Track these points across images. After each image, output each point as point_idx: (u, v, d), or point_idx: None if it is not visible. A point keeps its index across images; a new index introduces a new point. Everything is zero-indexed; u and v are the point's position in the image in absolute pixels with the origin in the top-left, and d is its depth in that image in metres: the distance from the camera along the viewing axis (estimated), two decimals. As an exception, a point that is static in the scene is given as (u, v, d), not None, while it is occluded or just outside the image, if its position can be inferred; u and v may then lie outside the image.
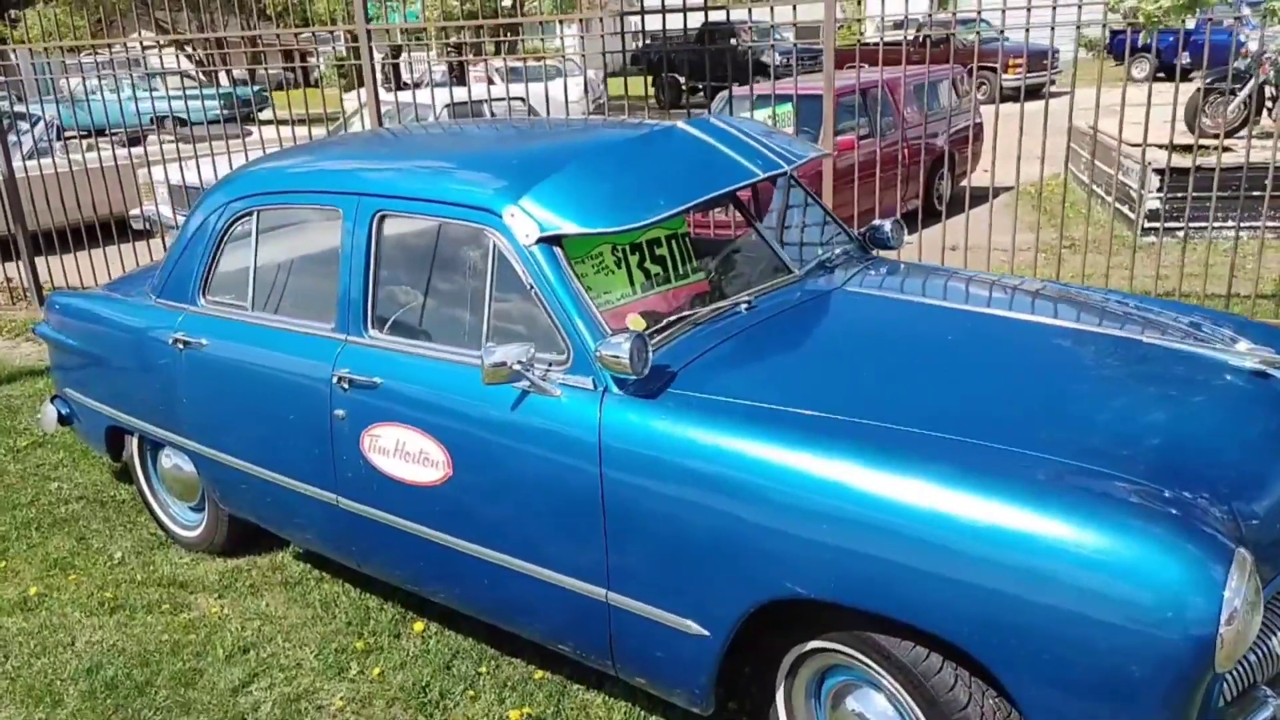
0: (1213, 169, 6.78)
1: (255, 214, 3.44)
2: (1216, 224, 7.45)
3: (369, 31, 6.21)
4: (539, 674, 3.20)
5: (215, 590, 3.83)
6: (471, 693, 3.15)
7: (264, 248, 3.46)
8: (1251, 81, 8.22)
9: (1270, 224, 7.14)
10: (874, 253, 3.57)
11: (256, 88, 17.18)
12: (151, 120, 11.35)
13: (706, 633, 2.46)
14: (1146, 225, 7.86)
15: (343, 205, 3.13)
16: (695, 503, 2.39)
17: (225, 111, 10.30)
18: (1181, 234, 7.66)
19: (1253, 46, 8.19)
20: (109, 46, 8.61)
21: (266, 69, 10.16)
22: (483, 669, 3.25)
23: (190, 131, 7.98)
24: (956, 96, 9.56)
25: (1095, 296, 3.11)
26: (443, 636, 3.44)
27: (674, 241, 3.12)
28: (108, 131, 10.18)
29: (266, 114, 16.38)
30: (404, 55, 16.57)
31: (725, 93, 6.83)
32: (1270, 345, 2.69)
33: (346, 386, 3.06)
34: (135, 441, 4.17)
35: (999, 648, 2.05)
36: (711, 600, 2.43)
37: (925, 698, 2.21)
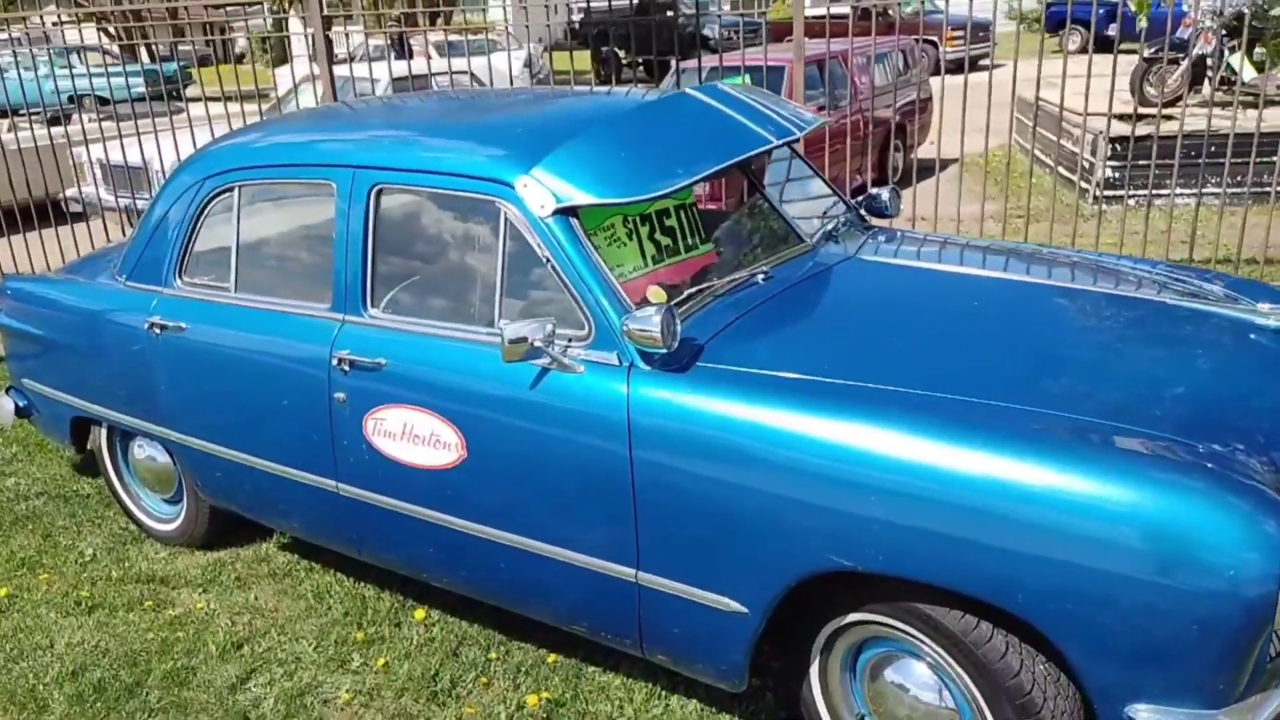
0: (1165, 136, 6.92)
1: (236, 190, 3.27)
2: (1168, 190, 7.60)
3: (321, 2, 5.98)
4: (552, 657, 3.13)
5: (199, 585, 3.67)
6: (484, 679, 3.07)
7: (246, 225, 3.29)
8: (1194, 50, 8.40)
9: (1232, 190, 7.30)
10: (870, 221, 3.55)
11: (180, 64, 16.59)
12: (71, 99, 10.83)
13: (744, 609, 2.42)
14: (1100, 193, 7.99)
15: (337, 179, 2.99)
16: (734, 478, 2.33)
17: (149, 89, 9.90)
18: (1133, 201, 7.84)
19: (1194, 16, 8.37)
20: (24, 20, 8.16)
21: (193, 44, 9.77)
22: (492, 655, 3.17)
23: (115, 110, 7.62)
24: (907, 69, 9.60)
25: (1108, 261, 3.12)
26: (446, 623, 3.34)
27: (682, 212, 3.04)
28: (25, 111, 9.69)
29: (193, 91, 15.83)
30: (338, 28, 16.10)
31: (677, 65, 6.73)
32: None
33: (347, 369, 2.93)
34: (104, 433, 3.98)
35: (1055, 614, 2.04)
36: (750, 576, 2.38)
37: (976, 666, 2.20)
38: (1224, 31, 8.37)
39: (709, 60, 8.44)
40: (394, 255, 2.97)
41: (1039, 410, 2.18)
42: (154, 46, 8.31)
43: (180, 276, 3.45)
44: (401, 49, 12.00)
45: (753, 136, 2.92)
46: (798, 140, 3.05)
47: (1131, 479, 1.97)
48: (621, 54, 18.07)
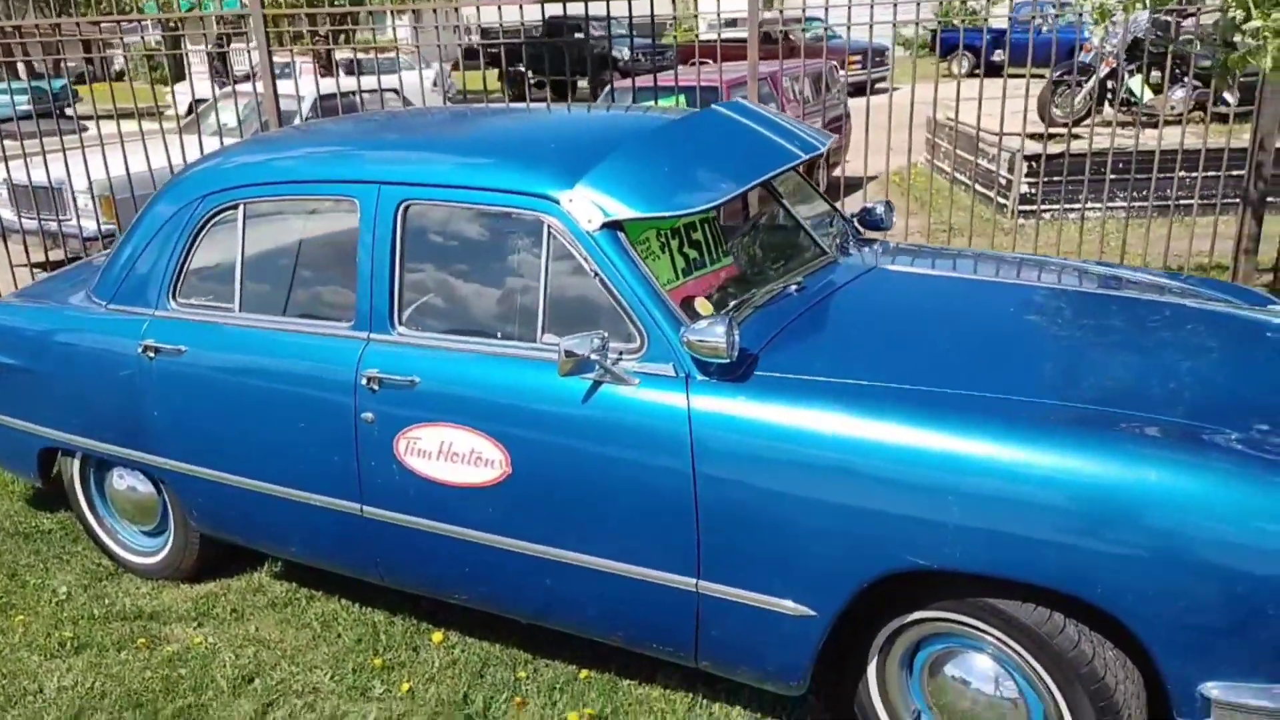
0: (1075, 155, 7.33)
1: (240, 207, 3.16)
2: (1085, 205, 8.03)
3: (265, 16, 5.83)
4: (584, 673, 3.11)
5: (191, 619, 3.51)
6: (518, 699, 3.02)
7: (251, 244, 3.19)
8: (1096, 75, 8.92)
9: (1137, 203, 7.74)
10: (865, 234, 3.66)
11: (64, 80, 15.84)
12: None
13: (812, 612, 2.45)
14: (1017, 208, 8.37)
15: (359, 195, 2.92)
16: (807, 487, 2.37)
17: (35, 106, 9.43)
18: (1047, 215, 8.25)
19: (1095, 43, 8.88)
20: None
21: (89, 61, 9.32)
22: (521, 674, 3.13)
23: (18, 128, 7.23)
24: (827, 89, 9.90)
25: (1102, 268, 3.29)
26: (466, 645, 3.28)
27: (706, 225, 3.08)
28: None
29: (82, 109, 15.10)
30: (238, 44, 15.62)
31: (608, 87, 6.81)
32: None
33: (376, 388, 2.87)
34: (75, 464, 3.77)
35: (1133, 602, 2.14)
36: (821, 580, 2.42)
37: (1050, 657, 2.28)
38: (1124, 56, 8.90)
39: (642, 81, 8.54)
40: (424, 272, 2.92)
41: (1105, 409, 2.29)
42: (33, 64, 7.90)
43: (174, 298, 3.31)
44: (329, 67, 11.74)
45: (783, 151, 2.98)
46: (821, 155, 3.13)
47: (1206, 470, 2.08)
48: (530, 74, 18.08)
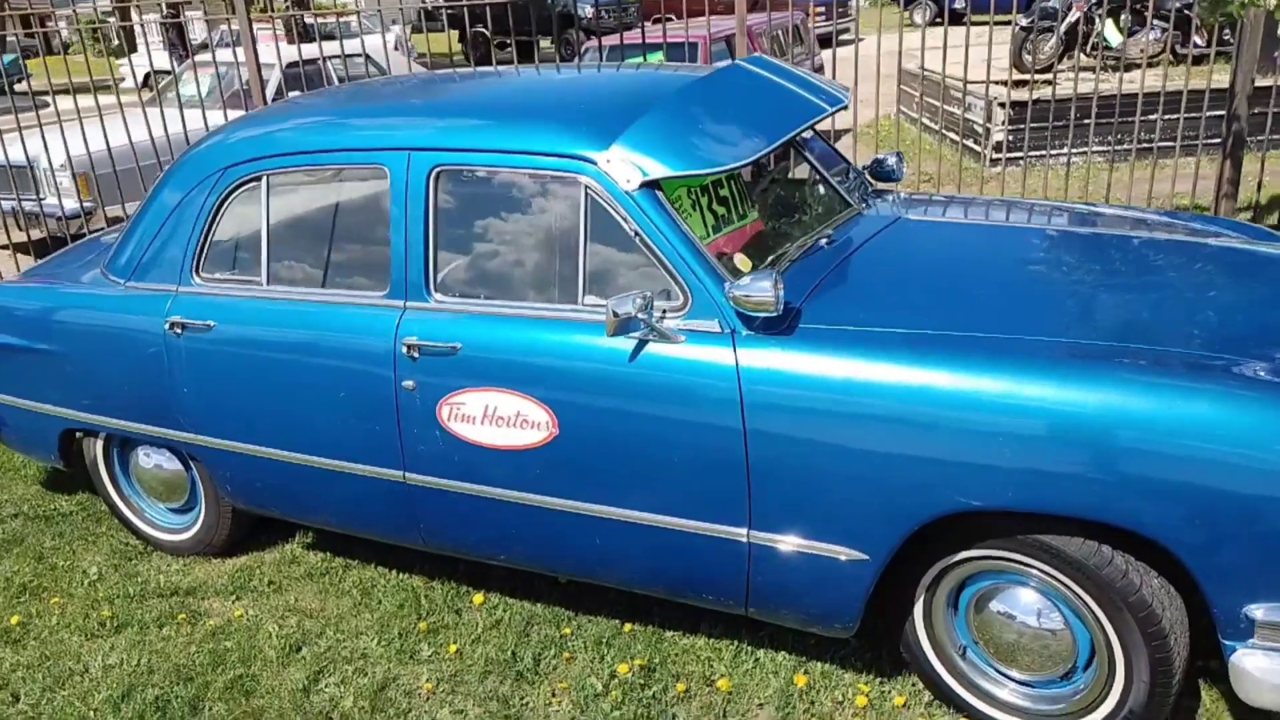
0: (1051, 100, 7.41)
1: (264, 179, 3.14)
2: (1059, 150, 8.14)
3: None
4: (628, 627, 3.18)
5: (229, 593, 3.53)
6: (566, 654, 3.09)
7: (276, 216, 3.17)
8: (1067, 20, 9.00)
9: (1118, 148, 7.85)
10: (876, 186, 3.70)
11: (12, 56, 15.41)
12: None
13: (865, 556, 2.53)
14: (994, 156, 8.46)
15: (389, 163, 2.92)
16: (860, 436, 2.43)
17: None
18: (1023, 163, 8.35)
19: (1066, -13, 8.94)
20: None
21: (31, 35, 9.08)
22: (566, 630, 3.19)
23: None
24: (801, 41, 9.89)
25: (1115, 210, 3.36)
26: (508, 605, 3.34)
27: (732, 181, 3.11)
28: None
29: (31, 83, 14.68)
30: (193, 13, 15.27)
31: (592, 41, 6.78)
32: None
33: (416, 355, 2.89)
34: (99, 444, 3.75)
35: (1180, 531, 2.21)
36: (874, 525, 2.49)
37: (1099, 587, 2.37)
38: (1093, 1, 8.99)
39: (612, 40, 8.48)
40: (459, 238, 2.93)
41: (1150, 346, 2.36)
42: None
43: (198, 273, 3.29)
44: (289, 34, 11.51)
45: (810, 105, 3.02)
46: (844, 108, 3.16)
47: (1252, 400, 2.17)
48: (488, 34, 17.86)
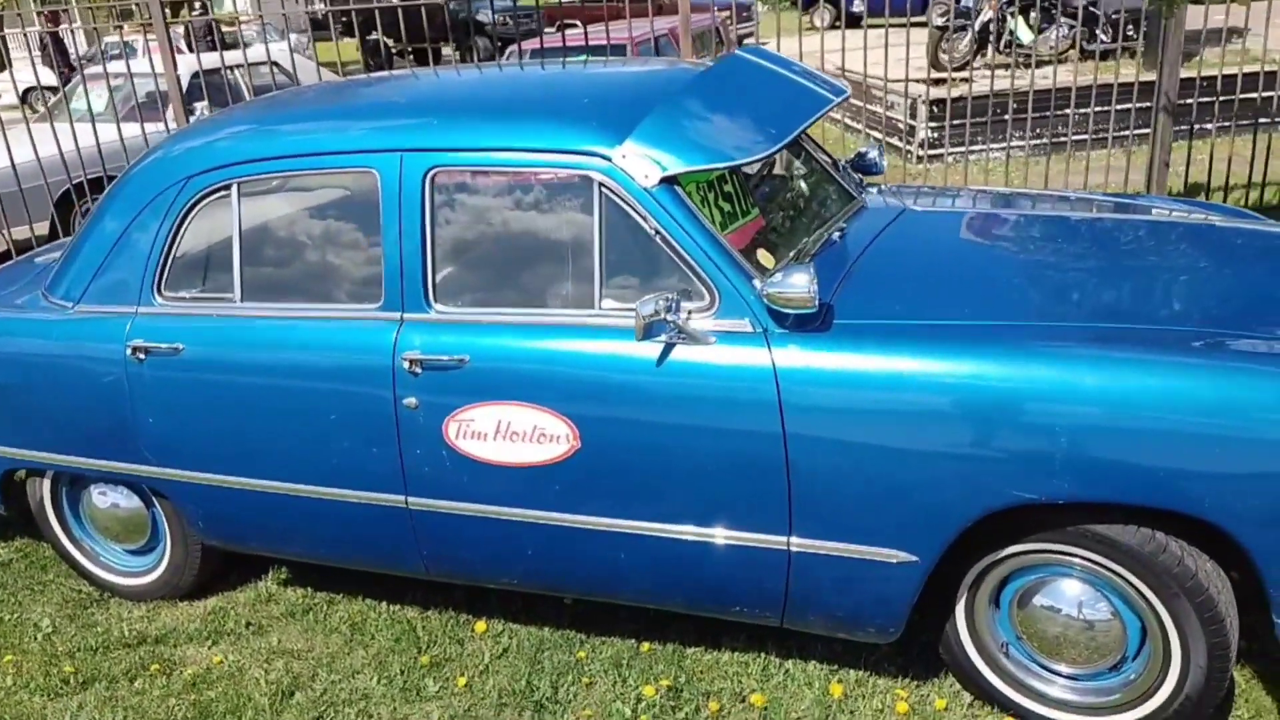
0: (976, 97, 7.55)
1: (234, 187, 2.90)
2: (981, 147, 8.30)
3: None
4: (645, 645, 3.03)
5: (204, 638, 3.25)
6: (585, 679, 2.93)
7: (249, 227, 2.94)
8: (979, 19, 9.21)
9: (1034, 141, 8.03)
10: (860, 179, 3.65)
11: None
12: None
13: (914, 558, 2.44)
14: (920, 153, 8.57)
15: (379, 165, 2.72)
16: (907, 434, 2.34)
17: None
18: (950, 158, 8.49)
19: (978, -12, 9.14)
20: None
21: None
22: (580, 654, 3.03)
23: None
24: (723, 44, 9.88)
25: (1107, 197, 3.38)
26: (513, 632, 3.15)
27: (734, 177, 3.01)
28: None
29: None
30: (74, 24, 14.49)
31: (515, 46, 6.64)
32: None
33: (418, 371, 2.70)
34: (46, 484, 3.43)
35: (1240, 514, 2.19)
36: (924, 525, 2.41)
37: (1154, 574, 2.33)
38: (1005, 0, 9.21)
39: (533, 44, 8.33)
40: (460, 243, 2.75)
41: (1200, 330, 2.34)
42: None
43: (159, 292, 3.03)
44: (213, 41, 10.98)
45: (815, 95, 2.93)
46: (847, 98, 3.09)
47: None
48: (390, 42, 17.42)
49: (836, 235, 2.89)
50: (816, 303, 2.38)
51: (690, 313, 2.50)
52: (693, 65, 2.99)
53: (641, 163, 2.52)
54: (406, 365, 2.70)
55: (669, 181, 2.53)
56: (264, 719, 2.89)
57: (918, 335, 2.39)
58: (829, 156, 3.57)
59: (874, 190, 3.45)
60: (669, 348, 2.50)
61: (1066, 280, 2.68)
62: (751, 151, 2.64)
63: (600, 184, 2.55)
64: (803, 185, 3.17)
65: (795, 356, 2.42)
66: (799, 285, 2.35)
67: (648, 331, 2.46)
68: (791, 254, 2.71)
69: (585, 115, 2.65)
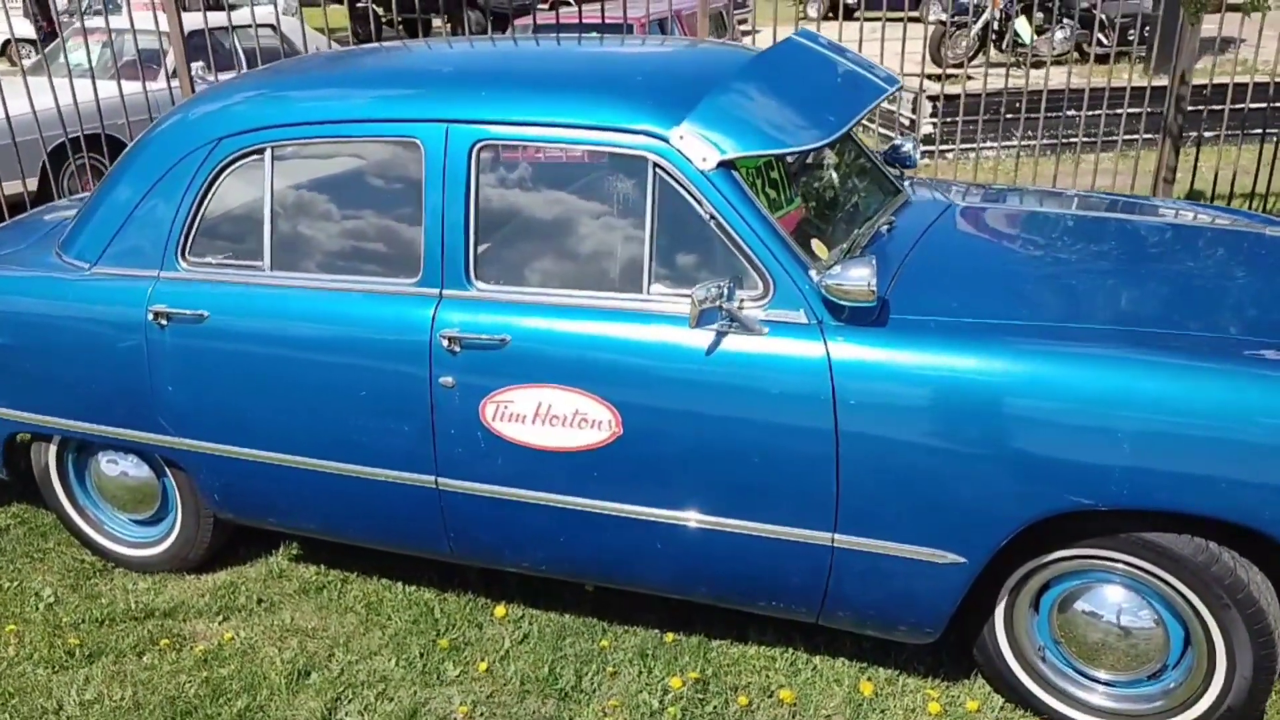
0: (973, 95, 7.54)
1: (268, 151, 2.80)
2: (985, 144, 8.28)
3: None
4: (669, 636, 2.99)
5: (213, 614, 3.17)
6: (610, 669, 2.88)
7: (280, 193, 2.84)
8: (984, 16, 9.19)
9: (1036, 141, 8.03)
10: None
11: None
12: None
13: (963, 560, 2.41)
14: (924, 149, 8.54)
15: (423, 135, 2.64)
16: (965, 436, 2.30)
17: None
18: (951, 155, 8.47)
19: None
20: None
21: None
22: (604, 642, 2.98)
23: None
24: (727, 28, 9.80)
25: (1140, 199, 3.35)
26: (533, 617, 3.10)
27: (780, 164, 2.95)
28: None
29: None
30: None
31: (523, 20, 6.53)
32: None
33: (457, 349, 2.62)
34: (52, 449, 3.32)
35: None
36: (975, 527, 2.37)
37: (1205, 584, 2.31)
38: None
39: (543, 19, 8.20)
40: (505, 220, 2.67)
41: (1267, 339, 2.31)
42: None
43: (184, 256, 2.93)
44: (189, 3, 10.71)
45: (870, 84, 2.88)
46: (900, 88, 3.04)
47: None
48: (380, 11, 17.13)
49: (885, 228, 2.84)
50: (877, 297, 2.33)
51: (743, 301, 2.45)
52: (745, 48, 2.92)
53: (699, 144, 2.45)
54: (445, 343, 2.63)
55: (726, 165, 2.47)
56: (280, 699, 2.82)
57: (977, 333, 2.35)
58: (862, 147, 3.53)
59: (923, 182, 3.40)
60: (720, 336, 2.45)
61: (1124, 283, 2.64)
62: (810, 138, 2.58)
63: (655, 164, 2.48)
64: (848, 176, 3.12)
65: (851, 350, 2.38)
66: (860, 278, 2.30)
67: (701, 318, 2.40)
68: (844, 246, 2.65)
69: (641, 93, 2.58)
